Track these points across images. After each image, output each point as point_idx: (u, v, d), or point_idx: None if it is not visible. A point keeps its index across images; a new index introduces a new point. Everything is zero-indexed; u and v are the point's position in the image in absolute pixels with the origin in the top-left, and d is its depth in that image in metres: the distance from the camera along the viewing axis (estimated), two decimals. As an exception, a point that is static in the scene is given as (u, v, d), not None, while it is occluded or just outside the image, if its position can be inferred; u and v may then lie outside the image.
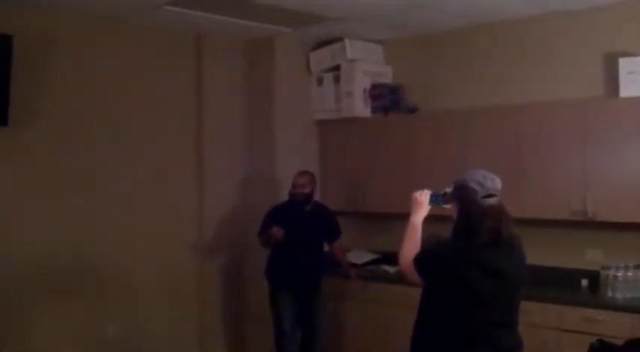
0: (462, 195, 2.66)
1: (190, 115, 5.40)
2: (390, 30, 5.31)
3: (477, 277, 2.54)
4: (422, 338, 2.71)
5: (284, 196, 5.39)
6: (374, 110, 5.43)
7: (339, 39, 5.46)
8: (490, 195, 2.61)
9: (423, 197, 2.89)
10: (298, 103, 5.62)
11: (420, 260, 2.69)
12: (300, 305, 4.93)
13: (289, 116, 5.55)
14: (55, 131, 4.66)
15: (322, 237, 5.05)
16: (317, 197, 5.21)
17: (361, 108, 5.38)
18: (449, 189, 2.77)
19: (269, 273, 5.00)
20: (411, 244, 2.81)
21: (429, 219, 5.04)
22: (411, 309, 4.61)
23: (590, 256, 4.57)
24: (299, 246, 4.83)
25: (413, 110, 5.32)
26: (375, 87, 5.42)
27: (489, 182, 2.64)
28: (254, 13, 4.69)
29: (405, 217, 5.18)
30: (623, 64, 4.24)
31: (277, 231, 4.71)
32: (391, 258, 5.14)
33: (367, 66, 5.45)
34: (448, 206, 2.78)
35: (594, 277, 4.42)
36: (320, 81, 5.62)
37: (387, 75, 5.58)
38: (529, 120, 4.60)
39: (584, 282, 4.52)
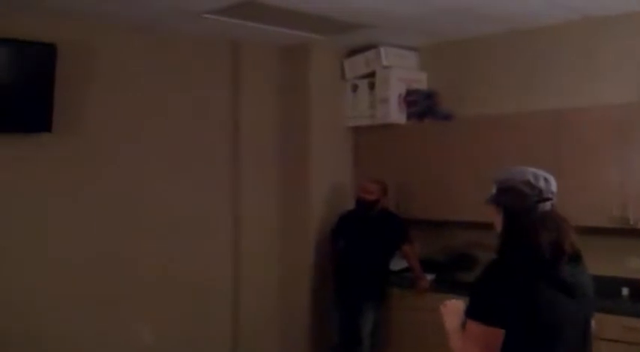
0: (509, 200, 2.18)
1: (227, 123, 5.46)
2: (423, 36, 5.32)
3: (554, 300, 2.02)
4: None
5: (317, 203, 5.48)
6: (409, 116, 5.43)
7: (372, 46, 5.47)
8: (545, 200, 2.15)
9: (456, 306, 2.25)
10: (333, 110, 5.65)
11: (480, 311, 2.02)
12: (351, 311, 4.99)
13: (324, 122, 5.57)
14: (96, 138, 4.75)
15: (387, 244, 5.08)
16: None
17: (397, 114, 5.38)
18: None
19: (333, 276, 5.19)
20: (457, 339, 2.15)
21: (466, 227, 5.09)
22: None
23: (631, 264, 4.51)
24: (360, 252, 4.98)
25: (448, 117, 5.31)
26: (410, 93, 5.42)
27: (542, 182, 2.17)
28: (291, 20, 4.72)
29: (440, 224, 5.30)
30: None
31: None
32: (427, 264, 5.16)
33: (402, 72, 5.46)
34: None
35: (635, 285, 4.36)
36: (355, 87, 5.64)
37: (421, 81, 5.58)
38: (567, 126, 4.55)
39: (625, 291, 4.46)
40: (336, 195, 5.62)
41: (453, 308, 2.25)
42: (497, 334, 1.99)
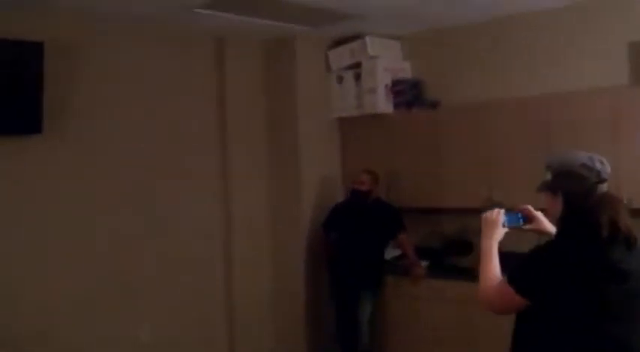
0: (569, 184, 2.20)
1: (214, 117, 5.42)
2: (407, 25, 5.36)
3: (607, 283, 2.04)
4: None
5: (308, 195, 5.50)
6: (396, 106, 5.47)
7: (356, 36, 5.49)
8: (602, 181, 2.20)
9: (496, 216, 2.40)
10: (319, 102, 5.65)
11: (520, 276, 2.15)
12: (348, 301, 5.02)
13: (311, 114, 5.58)
14: (86, 138, 4.67)
15: (382, 233, 5.11)
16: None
17: (384, 104, 5.42)
18: (528, 206, 2.44)
19: (328, 268, 5.24)
20: (492, 270, 2.31)
21: (455, 213, 5.16)
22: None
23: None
24: (355, 242, 5.00)
25: (435, 104, 5.37)
26: (396, 83, 5.46)
27: (598, 164, 2.21)
28: (276, 11, 4.69)
29: (430, 212, 5.37)
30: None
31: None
32: (420, 251, 5.22)
33: (387, 62, 5.49)
34: (530, 226, 2.45)
35: None
36: (340, 79, 5.65)
37: (406, 70, 5.62)
38: (556, 111, 4.64)
39: None
40: (325, 187, 5.64)
41: (493, 218, 2.38)
42: (520, 303, 2.13)
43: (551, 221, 2.40)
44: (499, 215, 2.39)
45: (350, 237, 5.13)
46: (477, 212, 5.02)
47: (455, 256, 4.97)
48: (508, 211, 2.43)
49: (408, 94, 5.45)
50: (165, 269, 5.04)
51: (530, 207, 2.50)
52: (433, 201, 5.27)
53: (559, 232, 2.22)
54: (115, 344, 4.74)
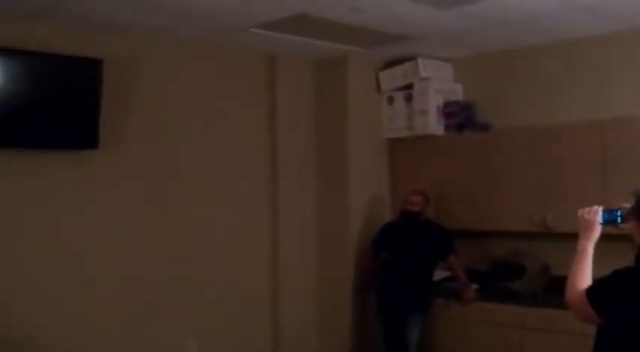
0: None
1: (265, 135, 5.47)
2: (460, 48, 5.34)
3: None
4: None
5: (356, 215, 5.49)
6: (447, 127, 5.44)
7: (407, 58, 5.49)
8: None
9: (593, 215, 2.38)
10: (369, 122, 5.65)
11: (595, 292, 2.22)
12: (397, 322, 4.97)
13: (361, 134, 5.58)
14: (141, 154, 4.77)
15: (432, 254, 5.07)
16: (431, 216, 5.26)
17: (435, 125, 5.40)
18: (627, 205, 2.37)
19: (377, 286, 5.21)
20: (581, 273, 2.32)
21: (503, 236, 5.09)
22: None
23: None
24: (404, 262, 4.98)
25: (486, 127, 5.32)
26: (448, 104, 5.44)
27: None
28: (332, 33, 4.74)
29: (480, 234, 5.30)
30: None
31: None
32: (469, 274, 5.14)
33: (439, 84, 5.47)
34: (627, 225, 2.36)
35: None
36: (391, 100, 5.65)
37: (457, 93, 5.59)
38: (612, 135, 4.56)
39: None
40: (373, 207, 5.62)
41: (590, 217, 2.36)
42: (595, 318, 2.20)
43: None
44: (597, 213, 2.37)
45: (399, 257, 5.08)
46: (529, 235, 4.98)
47: (506, 280, 4.87)
48: (606, 209, 2.39)
49: (460, 116, 5.42)
50: (212, 283, 5.07)
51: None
52: (483, 224, 5.21)
53: (636, 258, 2.20)
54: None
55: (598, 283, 2.24)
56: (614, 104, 4.75)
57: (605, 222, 2.37)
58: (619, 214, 2.37)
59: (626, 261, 2.25)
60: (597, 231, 2.35)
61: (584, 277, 2.30)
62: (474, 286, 5.05)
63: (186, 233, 4.97)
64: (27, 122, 4.17)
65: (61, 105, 4.31)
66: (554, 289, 4.39)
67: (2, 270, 4.16)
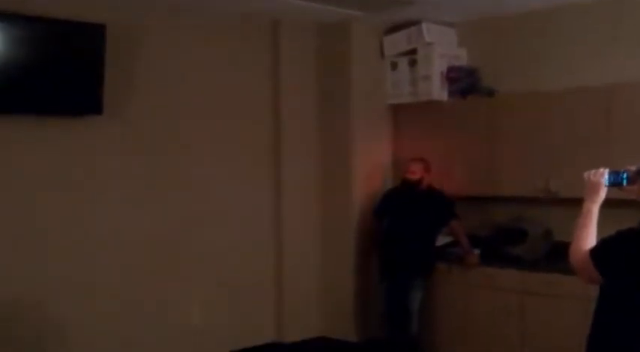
0: None
1: (267, 98, 5.47)
2: (462, 12, 5.29)
3: None
4: None
5: (358, 181, 5.52)
6: (451, 93, 5.42)
7: (410, 23, 5.44)
8: None
9: (599, 177, 2.35)
10: (373, 88, 5.63)
11: (598, 252, 2.23)
12: (399, 287, 5.02)
13: (364, 100, 5.57)
14: (144, 118, 4.77)
15: (434, 220, 5.10)
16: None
17: (439, 91, 5.37)
18: (633, 167, 2.35)
19: (379, 253, 5.24)
20: (586, 235, 2.31)
21: (506, 202, 5.11)
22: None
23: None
24: (406, 229, 5.00)
25: (491, 92, 5.30)
26: (451, 70, 5.41)
27: None
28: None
29: (483, 200, 5.32)
30: None
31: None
32: (471, 239, 5.17)
33: (443, 49, 5.43)
34: (632, 187, 2.34)
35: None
36: (394, 65, 5.62)
37: (461, 58, 5.55)
38: (618, 100, 4.53)
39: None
40: (376, 174, 5.64)
41: (596, 179, 2.34)
42: (598, 279, 2.24)
43: None
44: (602, 175, 2.35)
45: (401, 224, 5.11)
46: (533, 201, 4.99)
47: (508, 245, 4.91)
48: (612, 170, 2.36)
49: (464, 82, 5.39)
50: (215, 254, 5.12)
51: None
52: (486, 190, 5.22)
53: None
54: (164, 326, 4.86)
55: (601, 243, 2.25)
56: (619, 68, 4.71)
57: (610, 184, 2.35)
58: (625, 176, 2.34)
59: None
60: (603, 193, 2.34)
61: (589, 239, 2.30)
62: (477, 251, 5.08)
63: (190, 197, 5.00)
64: (31, 88, 4.17)
65: (65, 71, 4.30)
66: (557, 254, 4.42)
67: (10, 238, 4.21)
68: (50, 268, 4.33)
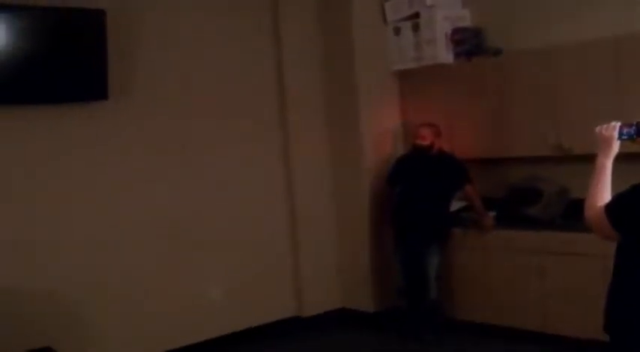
0: None
1: (270, 70, 5.44)
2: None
3: None
4: (622, 310, 2.20)
5: (368, 149, 5.50)
6: (457, 55, 5.35)
7: (413, -14, 5.37)
8: None
9: (611, 131, 2.32)
10: (376, 54, 5.57)
11: (613, 207, 2.21)
12: (415, 254, 5.03)
13: (368, 68, 5.51)
14: (150, 101, 4.77)
15: (447, 185, 5.07)
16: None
17: (444, 54, 5.31)
18: None
19: (393, 221, 5.21)
20: (600, 189, 2.29)
21: (518, 162, 5.06)
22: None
23: None
24: (420, 195, 4.99)
25: (497, 52, 5.22)
26: (456, 31, 5.33)
27: None
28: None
29: (495, 162, 5.28)
30: None
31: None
32: (486, 202, 5.14)
33: (446, 11, 5.36)
34: None
35: None
36: (397, 31, 5.55)
37: (465, 19, 5.46)
38: (626, 53, 4.45)
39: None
40: (386, 141, 5.61)
41: (608, 133, 2.31)
42: (614, 235, 2.22)
43: None
44: (614, 129, 2.31)
45: (414, 190, 5.10)
46: (546, 160, 4.94)
47: (523, 205, 4.88)
48: (624, 124, 2.33)
49: (470, 43, 5.32)
50: (229, 228, 5.15)
51: None
52: (498, 151, 5.18)
53: None
54: (183, 303, 4.89)
55: (616, 197, 2.23)
56: (627, 20, 4.62)
57: (622, 137, 2.32)
58: (636, 129, 2.31)
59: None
60: (616, 147, 2.31)
61: (604, 193, 2.28)
62: (492, 213, 5.06)
63: (202, 175, 5.02)
64: (36, 77, 4.18)
65: (68, 59, 4.31)
66: (573, 212, 4.38)
67: (23, 223, 4.26)
68: (62, 256, 4.37)
